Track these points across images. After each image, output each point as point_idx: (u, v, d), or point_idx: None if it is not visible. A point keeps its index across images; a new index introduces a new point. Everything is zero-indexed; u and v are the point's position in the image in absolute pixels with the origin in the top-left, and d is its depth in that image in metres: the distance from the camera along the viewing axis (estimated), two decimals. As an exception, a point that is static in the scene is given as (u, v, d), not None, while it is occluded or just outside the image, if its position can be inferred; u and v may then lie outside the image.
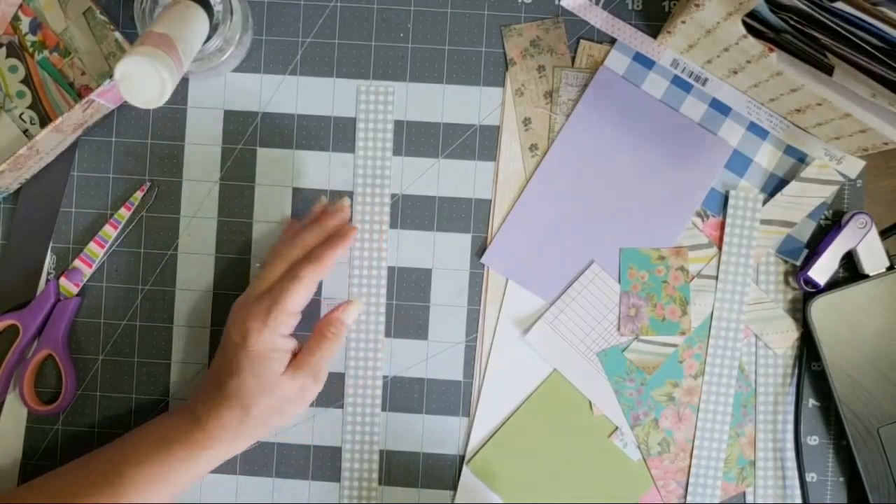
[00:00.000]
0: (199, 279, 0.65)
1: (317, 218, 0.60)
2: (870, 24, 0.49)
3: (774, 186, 0.64)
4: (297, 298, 0.56)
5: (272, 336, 0.55)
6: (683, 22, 0.57)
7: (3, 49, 0.64)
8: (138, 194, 0.64)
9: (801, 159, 0.64)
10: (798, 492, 0.62)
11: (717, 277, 0.63)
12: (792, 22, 0.53)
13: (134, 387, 0.64)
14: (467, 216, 0.64)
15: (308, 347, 0.57)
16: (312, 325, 0.59)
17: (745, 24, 0.54)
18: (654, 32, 0.64)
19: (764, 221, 0.63)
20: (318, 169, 0.65)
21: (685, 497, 0.63)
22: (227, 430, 0.56)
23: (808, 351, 0.63)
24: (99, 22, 0.63)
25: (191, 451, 0.56)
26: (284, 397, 0.56)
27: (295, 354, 0.57)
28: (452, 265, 0.64)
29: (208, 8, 0.55)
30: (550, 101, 0.64)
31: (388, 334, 0.64)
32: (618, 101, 0.64)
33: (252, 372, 0.55)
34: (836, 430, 0.63)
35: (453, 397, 0.64)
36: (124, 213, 0.64)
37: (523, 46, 0.64)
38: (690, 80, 0.64)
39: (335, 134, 0.65)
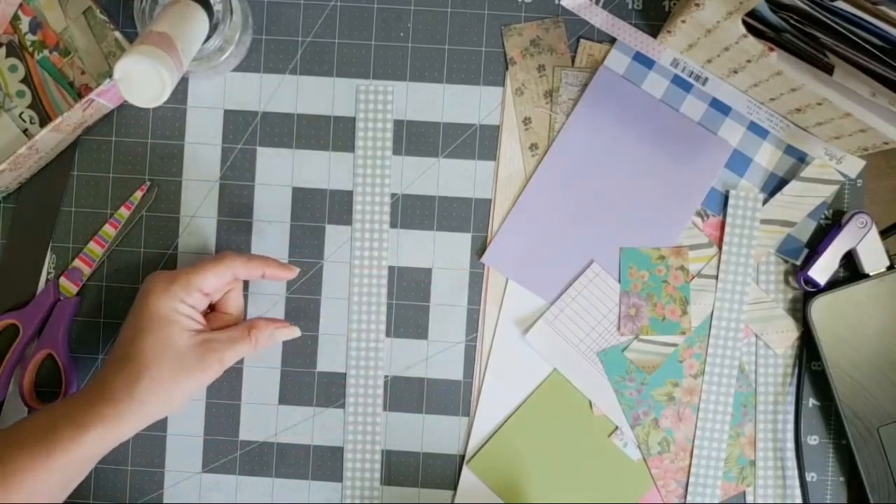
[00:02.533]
0: (198, 279, 0.64)
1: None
2: (870, 23, 0.49)
3: (774, 186, 0.64)
4: (206, 275, 0.55)
5: (173, 300, 0.54)
6: (683, 21, 0.57)
7: (3, 48, 0.64)
8: (138, 194, 0.64)
9: (802, 159, 0.64)
10: (798, 492, 0.62)
11: (717, 277, 0.63)
12: (792, 21, 0.53)
13: (134, 386, 0.64)
14: (467, 216, 0.64)
15: (227, 334, 0.57)
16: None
17: (745, 23, 0.54)
18: (654, 32, 0.64)
19: (764, 221, 0.63)
20: (318, 169, 0.65)
21: (685, 497, 0.63)
22: (116, 396, 0.52)
23: (808, 351, 0.63)
24: (99, 21, 0.63)
25: (76, 430, 0.51)
26: (182, 366, 0.54)
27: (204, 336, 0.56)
28: (452, 265, 0.64)
29: (208, 7, 0.55)
30: (550, 101, 0.64)
31: (388, 334, 0.64)
32: (618, 101, 0.64)
33: (150, 330, 0.53)
34: (836, 429, 0.63)
35: (453, 397, 0.64)
36: (124, 212, 0.64)
37: (523, 46, 0.64)
38: (690, 80, 0.64)
39: (335, 133, 0.65)
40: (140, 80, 0.49)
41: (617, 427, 0.63)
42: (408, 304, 0.64)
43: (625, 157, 0.64)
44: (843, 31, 0.51)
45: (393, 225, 0.64)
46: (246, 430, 0.64)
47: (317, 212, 0.65)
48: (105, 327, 0.64)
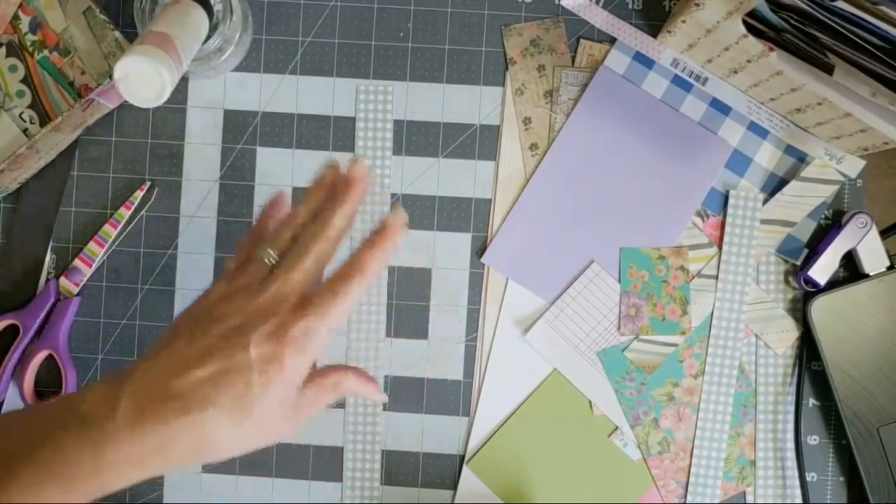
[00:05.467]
0: (199, 279, 0.64)
1: (335, 197, 0.47)
2: (870, 23, 0.49)
3: (774, 186, 0.64)
4: (342, 320, 0.45)
5: (305, 365, 0.44)
6: (684, 21, 0.57)
7: (3, 48, 0.64)
8: (138, 194, 0.64)
9: (802, 159, 0.64)
10: (798, 492, 0.62)
11: (717, 277, 0.63)
12: (792, 21, 0.53)
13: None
14: (467, 216, 0.64)
15: (313, 394, 0.45)
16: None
17: (745, 23, 0.54)
18: (654, 32, 0.64)
19: (764, 221, 0.63)
20: (318, 168, 0.65)
21: (685, 497, 0.63)
22: (179, 459, 0.42)
23: (808, 351, 0.63)
24: (99, 21, 0.63)
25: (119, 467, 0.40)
26: (276, 428, 0.44)
27: None
28: (452, 265, 0.64)
29: (208, 7, 0.55)
30: (550, 101, 0.64)
31: (388, 334, 0.64)
32: (618, 101, 0.64)
33: (267, 406, 0.42)
34: (836, 429, 0.63)
35: (453, 397, 0.64)
36: (124, 212, 0.64)
37: (523, 46, 0.64)
38: (690, 80, 0.64)
39: (335, 133, 0.65)
40: (140, 80, 0.49)
41: (617, 427, 0.63)
42: (408, 304, 0.64)
43: (625, 157, 0.64)
44: (843, 31, 0.51)
45: (393, 225, 0.64)
46: (246, 430, 0.64)
47: (317, 212, 0.65)
48: (105, 327, 0.64)
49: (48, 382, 0.64)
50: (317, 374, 0.46)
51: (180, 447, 0.41)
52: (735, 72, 0.61)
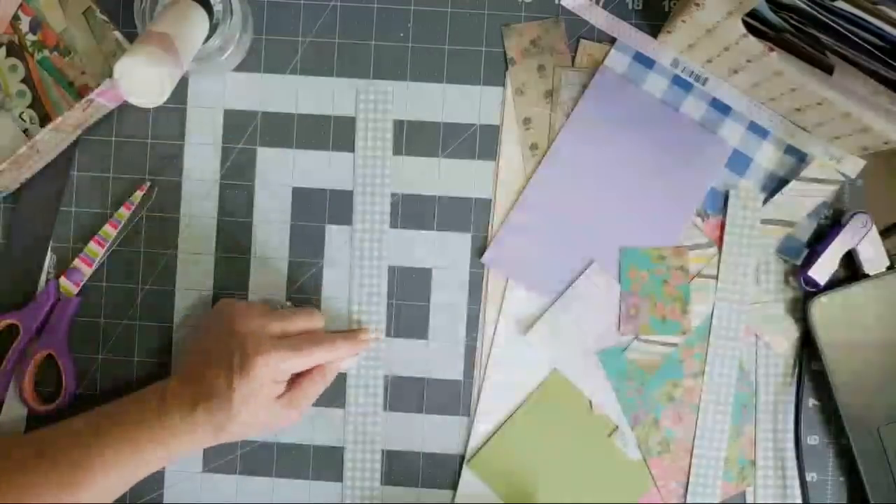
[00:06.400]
0: (199, 279, 0.64)
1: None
2: (870, 23, 0.49)
3: (774, 186, 0.64)
4: (319, 358, 0.59)
5: (278, 377, 0.57)
6: (683, 21, 0.57)
7: (3, 48, 0.64)
8: (138, 194, 0.64)
9: (802, 159, 0.64)
10: (798, 492, 0.62)
11: (717, 277, 0.63)
12: (792, 21, 0.53)
13: (133, 387, 0.64)
14: (467, 216, 0.64)
15: (304, 385, 0.59)
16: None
17: (745, 23, 0.54)
18: (654, 32, 0.64)
19: (764, 221, 0.63)
20: (318, 168, 0.65)
21: (685, 497, 0.63)
22: (197, 443, 0.57)
23: (808, 351, 0.63)
24: (99, 21, 0.63)
25: (156, 454, 0.57)
26: (269, 423, 0.58)
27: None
28: (452, 265, 0.64)
29: (208, 7, 0.55)
30: (551, 101, 0.64)
31: (388, 334, 0.64)
32: (618, 101, 0.64)
33: (250, 396, 0.56)
34: (836, 430, 0.63)
35: (453, 397, 0.64)
36: (124, 212, 0.64)
37: (523, 46, 0.64)
38: (690, 80, 0.64)
39: (335, 133, 0.65)
40: (140, 80, 0.49)
41: (617, 427, 0.63)
42: (408, 304, 0.64)
43: (625, 156, 0.64)
44: (843, 31, 0.51)
45: (393, 225, 0.64)
46: (246, 430, 0.64)
47: (317, 212, 0.65)
48: (105, 327, 0.64)
49: (48, 382, 0.64)
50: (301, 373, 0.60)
51: (219, 439, 0.58)
52: (735, 72, 0.61)
